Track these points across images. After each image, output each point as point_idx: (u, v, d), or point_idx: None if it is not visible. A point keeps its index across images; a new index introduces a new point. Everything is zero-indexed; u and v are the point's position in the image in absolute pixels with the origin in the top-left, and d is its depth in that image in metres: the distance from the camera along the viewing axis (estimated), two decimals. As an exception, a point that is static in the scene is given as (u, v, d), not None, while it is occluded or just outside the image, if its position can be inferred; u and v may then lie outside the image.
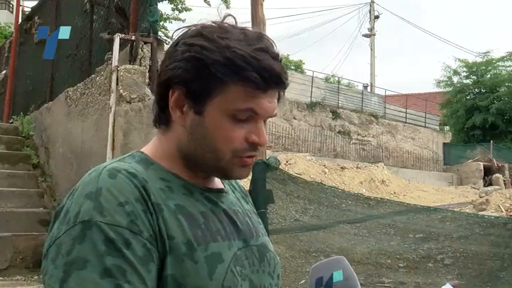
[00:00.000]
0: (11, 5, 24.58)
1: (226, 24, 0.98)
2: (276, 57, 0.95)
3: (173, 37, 1.01)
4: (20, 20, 10.44)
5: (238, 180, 1.21)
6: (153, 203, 0.91)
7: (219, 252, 0.94)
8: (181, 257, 0.90)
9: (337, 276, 1.06)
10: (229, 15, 1.01)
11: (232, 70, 0.91)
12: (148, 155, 1.01)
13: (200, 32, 0.96)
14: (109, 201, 0.87)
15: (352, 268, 1.08)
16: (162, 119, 1.01)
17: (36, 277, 5.20)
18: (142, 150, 1.03)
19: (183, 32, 0.99)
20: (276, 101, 0.98)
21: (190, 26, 0.99)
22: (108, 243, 0.85)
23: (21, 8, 11.24)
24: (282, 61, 0.98)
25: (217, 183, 1.07)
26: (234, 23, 0.99)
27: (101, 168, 0.93)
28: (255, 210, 1.19)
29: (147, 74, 5.18)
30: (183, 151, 0.99)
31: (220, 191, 1.06)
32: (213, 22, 0.98)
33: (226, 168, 0.98)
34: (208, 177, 1.04)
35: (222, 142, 0.95)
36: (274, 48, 0.97)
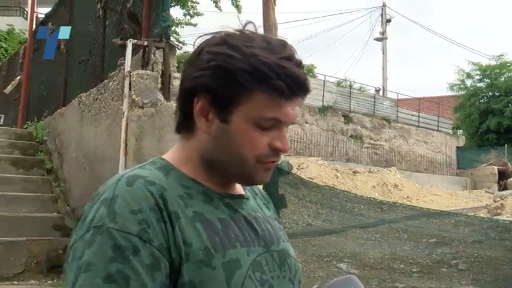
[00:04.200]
0: (25, 12, 24.87)
1: (249, 32, 0.99)
2: (299, 65, 0.97)
3: (195, 45, 1.02)
4: (34, 26, 10.55)
5: (259, 187, 1.22)
6: (169, 212, 0.92)
7: (237, 259, 0.94)
8: (199, 264, 0.90)
9: None
10: (250, 22, 1.01)
11: (258, 78, 0.92)
12: (169, 162, 1.02)
13: (225, 40, 0.96)
14: (122, 208, 0.89)
15: (362, 286, 1.09)
16: (185, 126, 1.02)
17: (51, 281, 5.23)
18: (163, 156, 1.05)
19: (205, 39, 1.00)
20: (298, 107, 0.99)
21: (214, 33, 0.99)
22: (116, 250, 0.86)
23: (35, 14, 11.34)
24: (304, 68, 1.00)
25: (238, 189, 1.08)
26: (254, 30, 1.00)
27: (120, 175, 0.96)
28: (276, 217, 1.19)
29: (160, 79, 5.20)
30: (206, 158, 1.00)
31: (240, 197, 1.06)
32: (236, 30, 0.99)
33: (249, 174, 0.99)
34: (229, 184, 1.04)
35: (247, 149, 0.96)
36: (297, 56, 0.98)
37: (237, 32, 0.98)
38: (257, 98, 0.94)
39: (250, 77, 0.92)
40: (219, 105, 0.96)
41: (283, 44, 0.98)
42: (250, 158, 0.97)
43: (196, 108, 0.98)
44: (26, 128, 8.79)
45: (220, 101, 0.95)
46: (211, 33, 1.00)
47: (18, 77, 10.55)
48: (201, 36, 1.01)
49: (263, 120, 0.95)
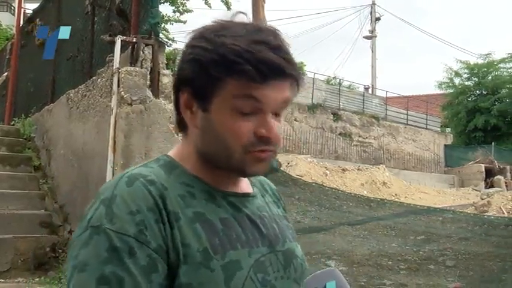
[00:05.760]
0: (12, 7, 24.63)
1: (228, 22, 0.98)
2: (275, 47, 0.94)
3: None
4: (21, 22, 10.45)
5: (271, 185, 1.21)
6: (168, 212, 0.91)
7: (237, 260, 0.93)
8: (198, 266, 0.89)
9: (331, 286, 1.07)
10: (241, 12, 1.01)
11: (226, 66, 0.92)
12: (173, 158, 1.02)
13: (201, 33, 0.98)
14: (120, 209, 0.89)
15: (344, 279, 1.10)
16: (181, 122, 1.03)
17: (38, 279, 5.20)
18: (169, 153, 1.05)
19: (190, 34, 1.02)
20: (286, 91, 0.96)
21: (199, 28, 1.01)
22: (112, 251, 0.86)
23: (22, 10, 11.24)
24: (288, 52, 0.96)
25: (244, 187, 1.07)
26: (244, 20, 0.99)
27: (122, 174, 0.95)
28: (285, 215, 1.17)
29: (148, 76, 5.18)
30: (201, 152, 1.00)
31: (246, 195, 1.05)
32: (215, 21, 0.99)
33: (240, 165, 0.97)
34: (232, 180, 1.03)
35: (230, 138, 0.95)
36: (276, 39, 0.96)
37: (215, 24, 0.98)
38: (229, 85, 0.93)
39: (219, 67, 0.93)
40: (199, 96, 0.97)
41: (259, 29, 0.96)
42: (236, 148, 0.95)
43: (182, 102, 0.99)
44: (13, 124, 8.71)
45: (200, 92, 0.96)
46: (197, 28, 1.01)
47: (5, 74, 10.46)
48: (191, 32, 1.02)
49: (239, 102, 0.94)
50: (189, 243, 0.90)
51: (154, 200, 0.90)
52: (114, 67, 5.00)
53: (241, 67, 0.91)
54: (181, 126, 1.03)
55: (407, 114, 27.16)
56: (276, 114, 0.98)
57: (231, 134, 0.95)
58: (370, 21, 34.21)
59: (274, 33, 0.97)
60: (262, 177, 1.20)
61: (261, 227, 1.01)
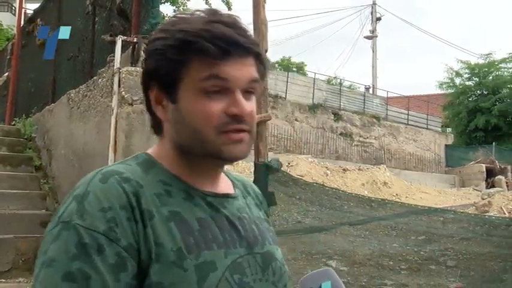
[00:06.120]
0: (13, 7, 24.64)
1: (185, 14, 1.00)
2: (231, 24, 0.95)
3: None
4: (22, 22, 10.46)
5: (254, 187, 1.20)
6: (142, 210, 0.90)
7: (212, 261, 0.91)
8: (170, 265, 0.88)
9: (326, 287, 1.07)
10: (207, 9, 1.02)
11: (185, 48, 0.93)
12: (152, 156, 1.01)
13: (159, 28, 1.00)
14: (92, 206, 0.87)
15: (340, 279, 1.09)
16: (155, 122, 1.03)
17: (38, 279, 5.20)
18: (148, 151, 1.04)
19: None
20: (250, 69, 0.96)
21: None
22: (80, 247, 0.84)
23: (23, 10, 11.24)
24: (245, 30, 0.97)
25: (225, 187, 1.06)
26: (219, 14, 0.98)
27: (97, 171, 0.94)
28: (267, 218, 1.16)
29: (149, 76, 5.17)
30: (177, 146, 0.99)
31: (226, 196, 1.04)
32: (173, 16, 1.02)
33: (215, 149, 0.95)
34: (212, 178, 1.02)
35: (201, 122, 0.94)
36: (231, 18, 0.97)
37: (173, 17, 1.01)
38: (192, 66, 0.93)
39: (178, 50, 0.93)
40: (166, 87, 0.97)
41: (213, 12, 0.98)
42: (209, 131, 0.94)
43: (152, 99, 0.99)
44: (14, 124, 8.71)
45: (166, 83, 0.96)
46: None
47: (6, 74, 10.46)
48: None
49: (204, 82, 0.93)
50: (162, 242, 0.89)
51: (128, 197, 0.89)
52: (115, 67, 5.00)
53: (199, 45, 0.92)
54: (156, 128, 1.03)
55: (408, 114, 27.17)
56: (247, 95, 0.96)
57: (200, 117, 0.94)
58: (370, 21, 34.22)
59: (229, 14, 0.98)
60: (246, 180, 1.20)
61: (239, 228, 1.00)
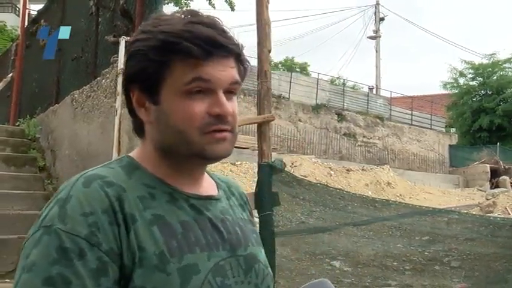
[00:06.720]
0: (17, 8, 24.74)
1: (165, 15, 1.00)
2: (211, 25, 0.95)
3: None
4: (26, 23, 10.48)
5: (239, 188, 1.19)
6: (125, 214, 0.89)
7: (195, 263, 0.91)
8: (153, 269, 0.88)
9: None
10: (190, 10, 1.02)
11: (167, 49, 0.93)
12: (134, 159, 1.00)
13: (139, 29, 0.99)
14: (74, 210, 0.87)
15: None
16: (137, 125, 1.02)
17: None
18: (130, 154, 1.03)
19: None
20: (232, 70, 0.97)
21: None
22: (61, 252, 0.84)
23: (27, 11, 11.27)
24: (226, 31, 0.97)
25: (208, 189, 1.05)
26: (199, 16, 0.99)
27: (80, 175, 0.94)
28: (251, 219, 1.16)
29: (153, 77, 5.18)
30: (160, 148, 0.99)
31: (209, 198, 1.03)
32: (153, 17, 1.01)
33: (199, 149, 0.95)
34: (194, 180, 1.02)
35: (184, 122, 0.94)
36: (210, 19, 0.97)
37: (153, 19, 1.00)
38: (174, 67, 0.93)
39: (160, 51, 0.93)
40: (148, 89, 0.96)
41: (194, 13, 0.98)
42: (192, 132, 0.94)
43: (134, 101, 0.99)
44: (18, 125, 8.73)
45: (148, 84, 0.96)
46: None
47: (10, 74, 10.49)
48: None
49: (187, 85, 0.93)
50: (144, 247, 0.88)
51: (110, 202, 0.89)
52: (119, 68, 5.01)
53: (181, 46, 0.92)
54: (138, 130, 1.02)
55: (411, 115, 27.12)
56: (229, 95, 0.97)
57: (184, 118, 0.94)
58: (374, 21, 34.20)
59: (208, 15, 0.98)
60: (231, 181, 1.20)
61: (222, 230, 1.00)
